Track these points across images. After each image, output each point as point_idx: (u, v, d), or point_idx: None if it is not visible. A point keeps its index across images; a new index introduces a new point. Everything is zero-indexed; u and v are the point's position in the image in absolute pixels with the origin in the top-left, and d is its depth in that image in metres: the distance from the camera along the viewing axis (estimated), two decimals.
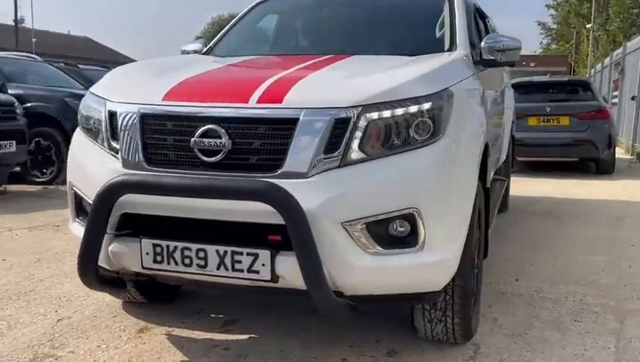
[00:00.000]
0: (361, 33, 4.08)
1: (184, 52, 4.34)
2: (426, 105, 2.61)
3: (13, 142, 7.63)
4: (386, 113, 2.56)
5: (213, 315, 3.49)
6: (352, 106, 2.52)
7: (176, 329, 3.28)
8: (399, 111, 2.57)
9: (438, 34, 3.90)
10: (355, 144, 2.51)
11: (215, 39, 4.33)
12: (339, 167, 2.50)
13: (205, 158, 2.57)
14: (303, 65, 3.13)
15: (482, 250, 3.45)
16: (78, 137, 3.06)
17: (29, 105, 8.75)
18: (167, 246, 2.61)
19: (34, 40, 36.21)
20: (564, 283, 4.14)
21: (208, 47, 4.23)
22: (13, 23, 39.77)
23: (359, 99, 2.54)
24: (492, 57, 3.73)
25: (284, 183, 2.44)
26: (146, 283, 3.31)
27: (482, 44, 3.72)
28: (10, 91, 8.90)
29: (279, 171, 2.49)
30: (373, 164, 2.53)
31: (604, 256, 4.85)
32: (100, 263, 2.82)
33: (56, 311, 3.52)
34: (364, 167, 2.52)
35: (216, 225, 2.56)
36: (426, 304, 2.91)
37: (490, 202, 4.09)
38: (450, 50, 3.65)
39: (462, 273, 2.81)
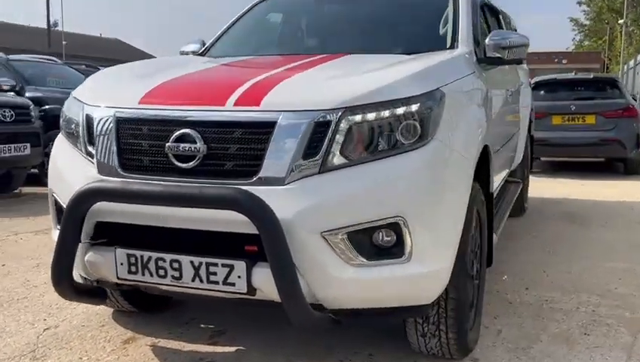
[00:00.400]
0: (362, 31, 3.92)
1: (183, 52, 4.24)
2: (414, 107, 2.45)
3: (28, 145, 7.63)
4: (370, 115, 2.40)
5: (202, 325, 3.37)
6: (333, 109, 2.37)
7: (162, 339, 3.16)
8: (384, 113, 2.42)
9: (441, 31, 3.72)
10: (337, 148, 2.37)
11: (212, 39, 4.21)
12: (319, 172, 2.36)
13: (180, 164, 2.45)
14: (292, 65, 3.00)
15: (484, 259, 3.26)
16: (60, 142, 2.97)
17: (47, 107, 8.78)
18: (142, 256, 2.51)
19: (64, 42, 36.80)
20: (577, 292, 3.92)
21: (205, 47, 4.12)
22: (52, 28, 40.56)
23: (341, 100, 2.39)
24: (498, 55, 3.55)
25: (260, 190, 2.31)
26: (134, 292, 3.19)
27: (487, 41, 3.53)
28: (28, 94, 8.94)
29: (255, 178, 2.36)
30: (356, 169, 2.38)
31: (623, 263, 4.59)
32: (80, 272, 2.75)
33: (45, 320, 3.44)
34: (345, 172, 2.37)
35: (192, 235, 2.44)
36: (418, 317, 2.74)
37: (494, 207, 3.91)
38: (451, 47, 3.47)
39: (455, 285, 2.64)
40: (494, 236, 3.51)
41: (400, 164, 2.40)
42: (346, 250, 2.35)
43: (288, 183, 2.33)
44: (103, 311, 3.53)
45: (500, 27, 5.06)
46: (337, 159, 2.37)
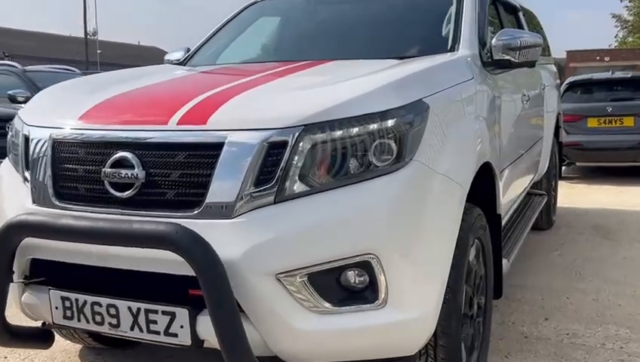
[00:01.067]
0: (356, 35, 3.53)
1: (168, 61, 3.91)
2: (390, 122, 2.07)
3: None
4: (336, 133, 2.03)
5: None
6: (291, 126, 2.00)
7: None
8: (353, 130, 2.04)
9: (443, 32, 3.31)
10: (296, 173, 2.00)
11: (196, 45, 3.88)
12: (275, 202, 1.99)
13: (116, 193, 2.12)
14: (261, 74, 2.65)
15: (491, 291, 2.85)
16: (5, 165, 2.67)
17: None
18: (77, 299, 2.18)
19: (99, 51, 37.28)
20: (604, 324, 3.45)
21: (187, 55, 3.78)
22: (90, 37, 41.35)
23: (300, 116, 2.02)
24: (507, 57, 3.12)
25: (203, 225, 1.96)
26: None
27: (493, 41, 3.12)
28: None
29: (198, 209, 2.00)
30: (319, 198, 2.01)
31: None
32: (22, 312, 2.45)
33: (5, 358, 3.14)
34: (306, 202, 2.00)
35: (131, 276, 2.10)
36: None
37: (506, 229, 3.49)
38: (452, 50, 3.07)
39: (445, 330, 2.24)
40: (505, 263, 3.09)
41: (372, 191, 2.03)
42: (306, 295, 1.98)
43: (237, 216, 1.98)
44: (71, 346, 3.22)
45: (520, 26, 4.61)
46: (297, 186, 2.00)
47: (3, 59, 15.42)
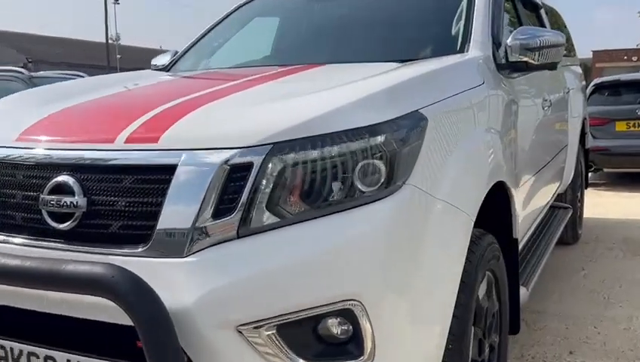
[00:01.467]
0: (355, 36, 3.17)
1: (153, 67, 3.59)
2: (378, 139, 1.72)
3: None
4: (312, 153, 1.68)
5: None
6: (257, 145, 1.66)
7: None
8: (333, 149, 1.69)
9: (453, 31, 2.95)
10: (263, 202, 1.65)
11: (183, 48, 3.55)
12: (238, 237, 1.65)
13: (54, 225, 1.79)
14: (236, 82, 2.32)
15: (506, 326, 2.48)
16: None
17: None
18: (12, 349, 1.86)
19: (118, 56, 37.44)
20: (638, 359, 3.04)
21: (172, 60, 3.45)
22: (111, 41, 41.65)
23: (269, 133, 1.68)
24: (524, 58, 2.74)
25: (150, 264, 1.64)
26: None
27: (509, 41, 2.74)
28: None
29: (144, 246, 1.67)
30: (291, 231, 1.66)
31: None
32: None
33: None
34: (276, 236, 1.66)
35: (73, 324, 1.77)
36: None
37: (524, 253, 3.12)
38: (461, 51, 2.70)
39: None
40: (523, 292, 2.72)
41: (356, 222, 1.68)
42: (275, 350, 1.64)
43: (191, 253, 1.64)
44: None
45: (542, 26, 4.22)
46: (265, 217, 1.66)
47: (26, 65, 15.34)
